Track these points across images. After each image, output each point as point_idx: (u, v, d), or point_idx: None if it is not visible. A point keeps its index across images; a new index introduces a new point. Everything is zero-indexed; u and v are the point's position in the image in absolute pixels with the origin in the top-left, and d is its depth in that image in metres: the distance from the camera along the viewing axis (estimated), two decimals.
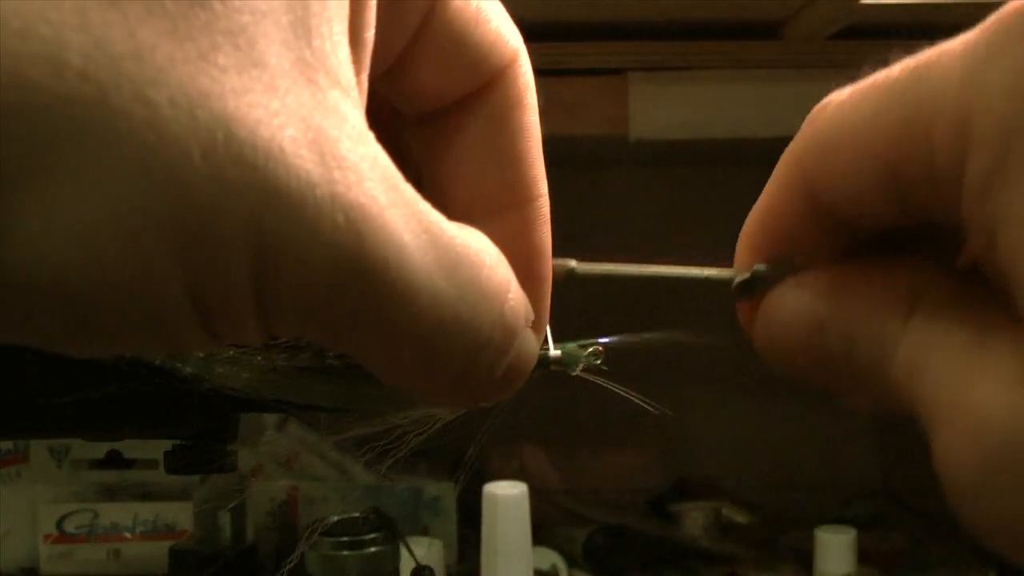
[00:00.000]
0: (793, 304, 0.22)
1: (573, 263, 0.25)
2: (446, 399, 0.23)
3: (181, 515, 0.91)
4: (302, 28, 0.16)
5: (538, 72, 0.22)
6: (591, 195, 1.10)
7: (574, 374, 0.25)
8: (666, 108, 0.81)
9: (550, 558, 0.92)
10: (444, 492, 0.94)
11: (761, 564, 0.96)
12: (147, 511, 0.92)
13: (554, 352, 0.25)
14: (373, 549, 0.68)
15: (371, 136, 0.17)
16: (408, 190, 0.18)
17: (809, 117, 0.22)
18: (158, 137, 0.14)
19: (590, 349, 0.25)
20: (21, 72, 0.13)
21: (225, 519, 0.82)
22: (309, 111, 0.16)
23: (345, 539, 0.68)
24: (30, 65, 0.13)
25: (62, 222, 0.14)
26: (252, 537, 0.86)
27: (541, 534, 0.88)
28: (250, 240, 0.15)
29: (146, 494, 0.94)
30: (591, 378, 0.26)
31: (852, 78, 0.21)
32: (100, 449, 0.92)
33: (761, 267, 0.23)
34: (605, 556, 0.95)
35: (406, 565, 0.72)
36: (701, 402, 1.10)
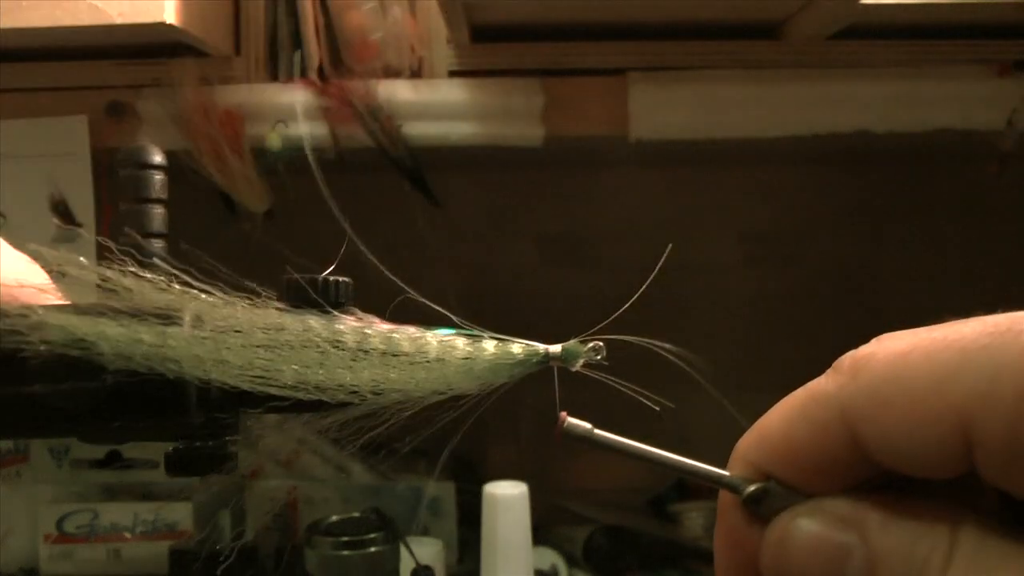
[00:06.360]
0: (814, 531, 0.22)
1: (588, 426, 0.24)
2: None
3: (181, 515, 0.91)
4: None
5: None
6: (591, 195, 1.10)
7: (574, 370, 0.25)
8: (666, 108, 0.81)
9: (550, 558, 0.92)
10: (444, 492, 0.94)
11: None
12: (147, 511, 0.92)
13: (555, 348, 0.25)
14: (373, 549, 0.68)
15: None
16: None
17: (849, 365, 0.21)
18: None
19: (590, 345, 0.25)
20: None
21: (225, 519, 0.82)
22: None
23: (345, 539, 0.68)
24: None
25: None
26: (252, 537, 0.86)
27: (541, 534, 0.88)
28: None
29: (146, 494, 0.94)
30: (591, 374, 0.26)
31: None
32: (100, 449, 0.92)
33: (772, 484, 0.23)
34: (605, 556, 0.95)
35: (406, 565, 0.72)
36: (701, 402, 1.09)
